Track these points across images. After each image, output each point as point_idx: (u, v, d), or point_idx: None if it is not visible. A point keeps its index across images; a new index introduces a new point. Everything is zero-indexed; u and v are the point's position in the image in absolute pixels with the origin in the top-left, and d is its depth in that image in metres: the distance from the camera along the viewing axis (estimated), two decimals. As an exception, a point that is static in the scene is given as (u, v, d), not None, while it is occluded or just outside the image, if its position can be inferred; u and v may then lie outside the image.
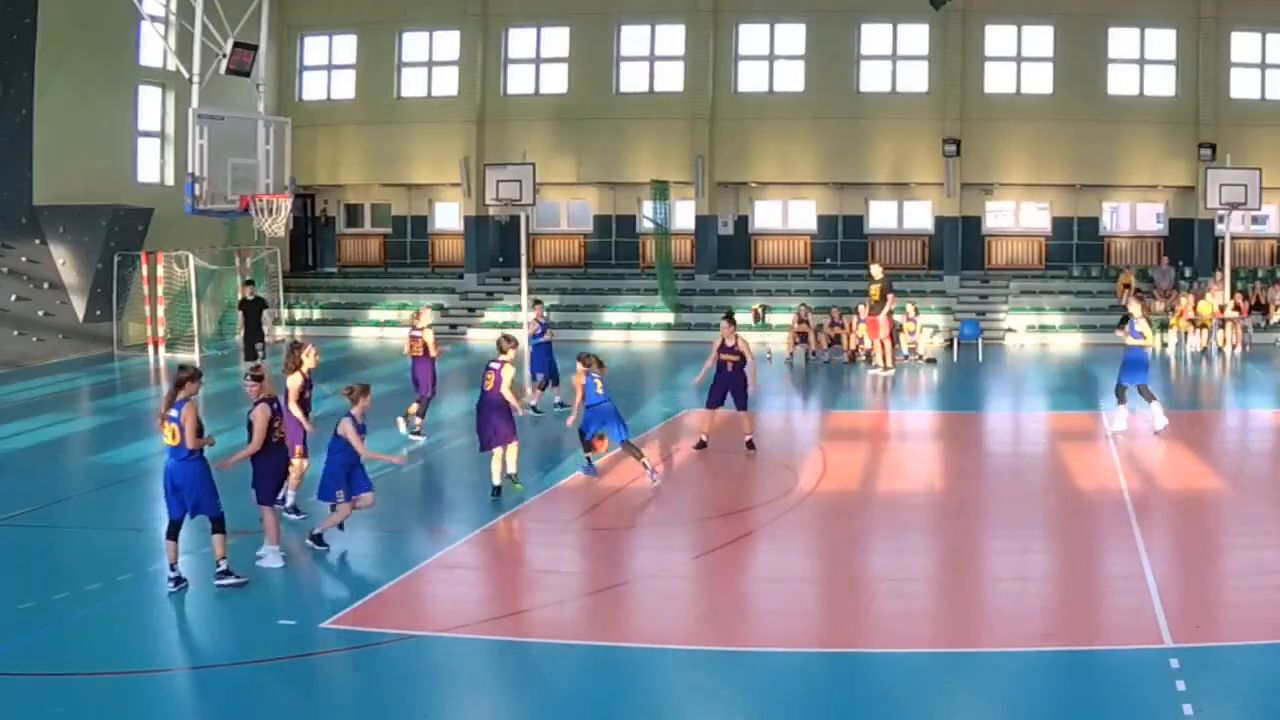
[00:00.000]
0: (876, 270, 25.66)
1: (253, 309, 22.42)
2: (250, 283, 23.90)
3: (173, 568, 10.93)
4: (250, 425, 11.55)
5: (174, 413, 10.84)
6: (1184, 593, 10.76)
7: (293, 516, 13.10)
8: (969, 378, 25.10)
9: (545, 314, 20.77)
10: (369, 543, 12.99)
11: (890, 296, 25.10)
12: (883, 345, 25.01)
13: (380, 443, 17.59)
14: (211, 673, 9.29)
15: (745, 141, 33.02)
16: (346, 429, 11.86)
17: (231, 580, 10.93)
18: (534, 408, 19.48)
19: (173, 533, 10.93)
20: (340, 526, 12.17)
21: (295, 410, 13.15)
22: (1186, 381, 25.08)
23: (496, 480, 14.35)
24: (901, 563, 12.11)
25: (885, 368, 24.83)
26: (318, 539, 12.14)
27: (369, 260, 36.68)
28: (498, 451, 14.33)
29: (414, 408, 17.77)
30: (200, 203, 21.02)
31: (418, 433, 17.65)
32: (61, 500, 14.61)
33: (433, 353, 17.67)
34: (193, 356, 26.20)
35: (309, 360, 13.39)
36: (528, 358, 19.93)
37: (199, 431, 10.85)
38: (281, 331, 31.68)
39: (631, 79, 33.91)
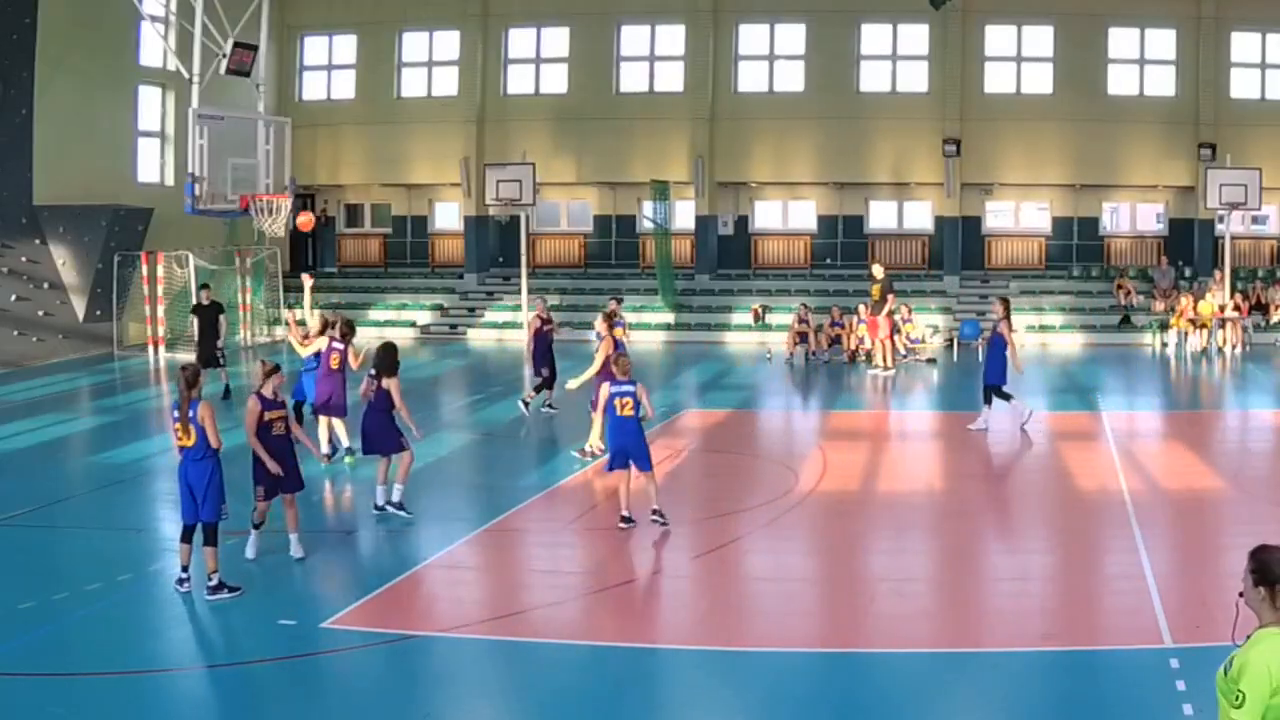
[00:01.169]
0: (878, 270, 25.68)
1: (208, 314, 21.38)
2: (206, 286, 22.83)
3: (185, 569, 10.81)
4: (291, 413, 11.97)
5: (192, 412, 10.73)
6: (1184, 593, 10.75)
7: (405, 514, 13.19)
8: (969, 378, 25.05)
9: (621, 313, 21.03)
10: (369, 543, 13.00)
11: (890, 296, 25.11)
12: (883, 345, 25.01)
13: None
14: (212, 673, 9.29)
15: (745, 141, 33.01)
16: (643, 392, 13.05)
17: (225, 594, 10.63)
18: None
19: (187, 536, 10.76)
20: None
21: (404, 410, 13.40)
22: (1186, 381, 25.10)
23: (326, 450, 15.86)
24: (901, 563, 12.10)
25: (885, 368, 24.83)
26: (659, 513, 12.98)
27: (369, 260, 36.67)
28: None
29: (532, 391, 19.70)
30: (200, 203, 21.03)
31: (551, 405, 19.64)
32: (61, 500, 14.60)
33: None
34: (193, 356, 26.14)
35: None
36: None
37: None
38: (281, 332, 31.68)
39: (631, 79, 33.91)
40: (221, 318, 21.74)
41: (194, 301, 22.95)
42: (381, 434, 13.26)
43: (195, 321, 21.98)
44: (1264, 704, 4.82)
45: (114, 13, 28.11)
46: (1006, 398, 18.35)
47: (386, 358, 13.33)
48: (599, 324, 17.49)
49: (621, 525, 12.88)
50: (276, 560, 11.73)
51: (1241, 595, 5.14)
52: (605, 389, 13.28)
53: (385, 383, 13.19)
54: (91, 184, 28.16)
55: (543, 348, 19.62)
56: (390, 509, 13.22)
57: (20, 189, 27.33)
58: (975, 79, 32.07)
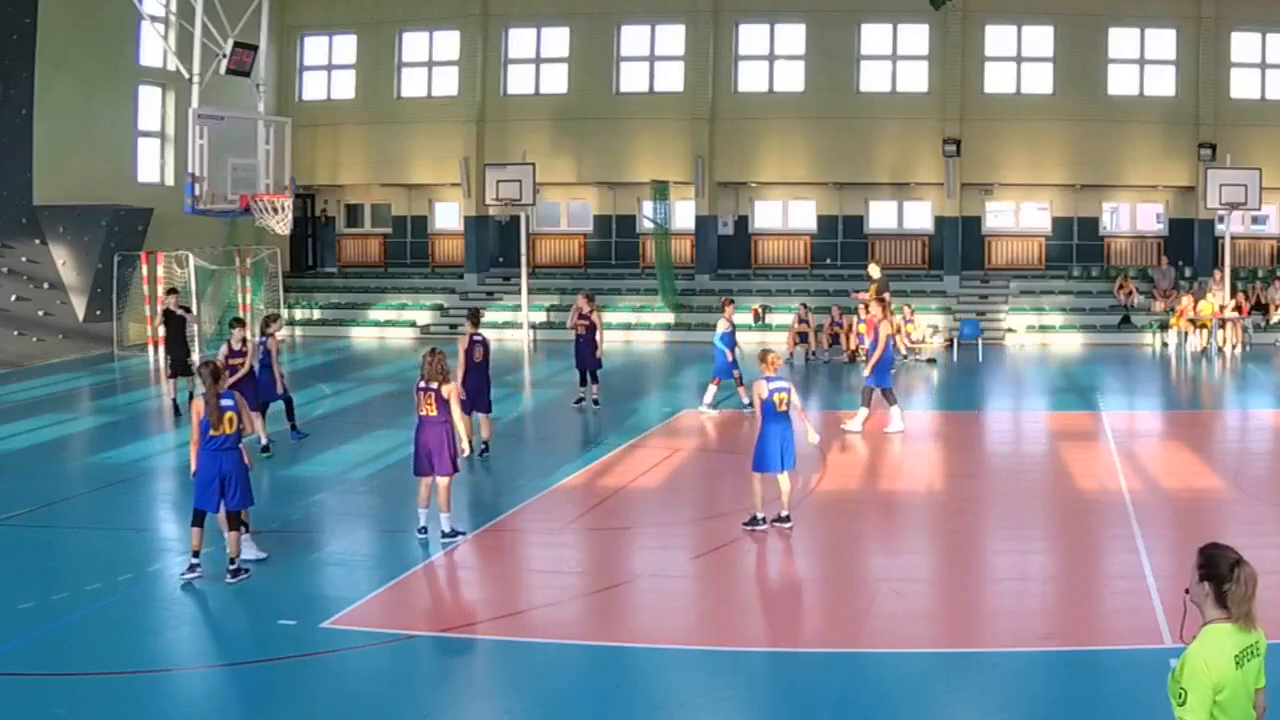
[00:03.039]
0: (874, 270, 25.62)
1: (177, 319, 20.65)
2: (174, 291, 21.92)
3: (196, 555, 11.00)
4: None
5: (228, 401, 10.93)
6: (1184, 593, 10.73)
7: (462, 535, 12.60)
8: (969, 378, 25.10)
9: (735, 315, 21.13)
10: (369, 543, 13.00)
11: (885, 295, 24.99)
12: None
13: (382, 442, 17.65)
14: (212, 672, 9.29)
15: (745, 141, 33.02)
16: (795, 400, 12.86)
17: (244, 576, 11.06)
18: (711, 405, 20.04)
19: (200, 520, 11.00)
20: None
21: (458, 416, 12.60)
22: (1186, 381, 25.10)
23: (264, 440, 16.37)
24: (902, 563, 12.10)
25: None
26: (784, 519, 12.79)
27: (369, 260, 36.68)
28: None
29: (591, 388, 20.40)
30: (200, 203, 21.02)
31: (596, 401, 20.31)
32: (61, 500, 14.60)
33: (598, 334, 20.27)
34: (193, 357, 26.14)
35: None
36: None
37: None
38: (282, 334, 31.68)
39: (631, 79, 33.91)
40: (189, 318, 21.21)
41: (162, 307, 21.97)
42: (441, 451, 12.28)
43: (163, 329, 21.31)
44: (1208, 701, 4.76)
45: (114, 13, 28.10)
46: (892, 400, 18.28)
47: (443, 364, 12.46)
48: (467, 325, 17.49)
49: (758, 528, 12.66)
50: (276, 560, 11.74)
51: (1188, 592, 5.17)
52: (762, 385, 12.66)
53: (445, 391, 12.33)
54: (91, 184, 28.16)
55: (579, 345, 20.21)
56: (446, 539, 12.35)
57: (20, 189, 27.32)
58: (975, 79, 32.07)
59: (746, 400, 19.53)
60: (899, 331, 26.66)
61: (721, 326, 20.28)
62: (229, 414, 10.92)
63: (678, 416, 20.00)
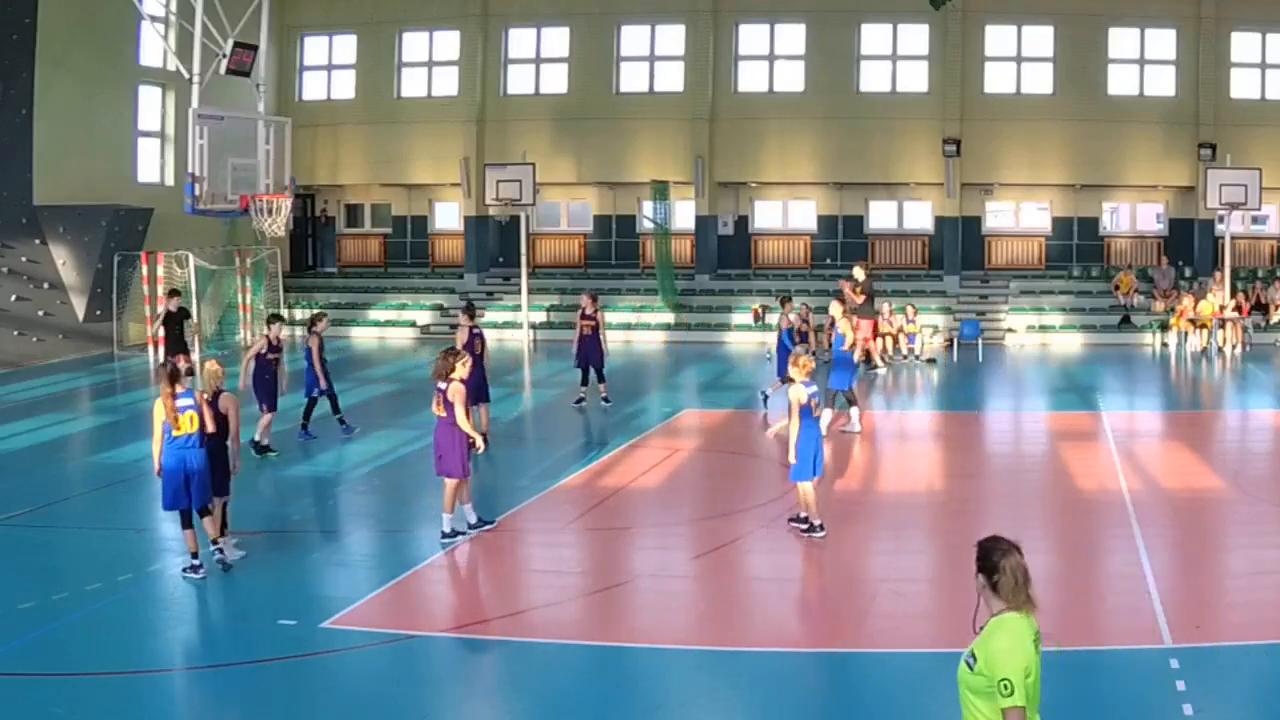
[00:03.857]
0: (859, 271, 25.48)
1: (175, 321, 20.94)
2: (176, 292, 22.15)
3: (195, 555, 11.06)
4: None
5: (185, 401, 10.95)
6: (1184, 593, 10.75)
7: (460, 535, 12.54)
8: (969, 378, 25.10)
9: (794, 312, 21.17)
10: (369, 543, 13.00)
11: (847, 298, 24.81)
12: (865, 344, 24.86)
13: (382, 442, 17.66)
14: (211, 673, 9.29)
15: (745, 141, 33.01)
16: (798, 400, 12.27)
17: (232, 554, 11.24)
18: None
19: (188, 521, 11.06)
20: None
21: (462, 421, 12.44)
22: (1186, 381, 25.10)
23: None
24: (901, 563, 12.11)
25: (872, 366, 24.77)
26: (800, 519, 12.56)
27: (369, 260, 36.67)
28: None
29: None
30: (200, 203, 21.04)
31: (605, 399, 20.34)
32: (61, 500, 14.60)
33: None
34: (193, 357, 26.15)
35: (463, 370, 12.50)
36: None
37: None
38: (285, 332, 31.67)
39: (631, 79, 33.90)
40: (187, 323, 21.30)
41: (163, 309, 22.43)
42: (448, 453, 12.26)
43: (162, 329, 21.48)
44: (1024, 685, 4.99)
45: (114, 13, 28.08)
46: (851, 401, 18.23)
47: (449, 364, 12.30)
48: (463, 319, 17.63)
49: (818, 534, 12.45)
50: (277, 560, 11.75)
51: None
52: (801, 391, 12.19)
53: (450, 391, 12.21)
54: (91, 184, 28.14)
55: (583, 344, 20.17)
56: (456, 534, 12.39)
57: (20, 189, 27.31)
58: (975, 79, 32.06)
59: (764, 392, 19.68)
60: (901, 332, 26.67)
61: (783, 324, 20.22)
62: (188, 414, 10.93)
63: (678, 416, 19.99)
